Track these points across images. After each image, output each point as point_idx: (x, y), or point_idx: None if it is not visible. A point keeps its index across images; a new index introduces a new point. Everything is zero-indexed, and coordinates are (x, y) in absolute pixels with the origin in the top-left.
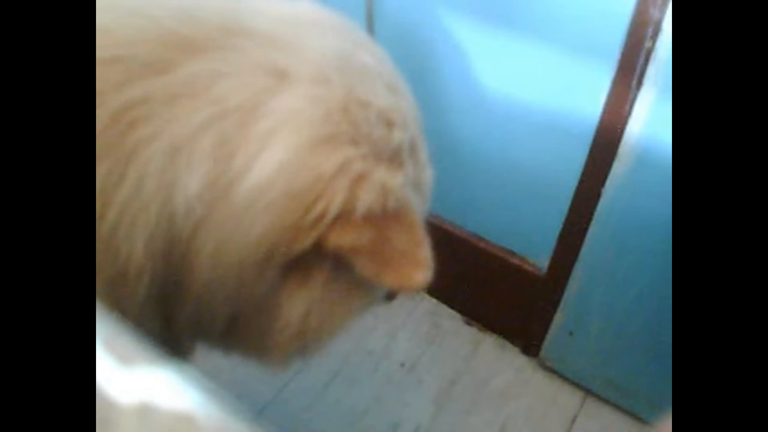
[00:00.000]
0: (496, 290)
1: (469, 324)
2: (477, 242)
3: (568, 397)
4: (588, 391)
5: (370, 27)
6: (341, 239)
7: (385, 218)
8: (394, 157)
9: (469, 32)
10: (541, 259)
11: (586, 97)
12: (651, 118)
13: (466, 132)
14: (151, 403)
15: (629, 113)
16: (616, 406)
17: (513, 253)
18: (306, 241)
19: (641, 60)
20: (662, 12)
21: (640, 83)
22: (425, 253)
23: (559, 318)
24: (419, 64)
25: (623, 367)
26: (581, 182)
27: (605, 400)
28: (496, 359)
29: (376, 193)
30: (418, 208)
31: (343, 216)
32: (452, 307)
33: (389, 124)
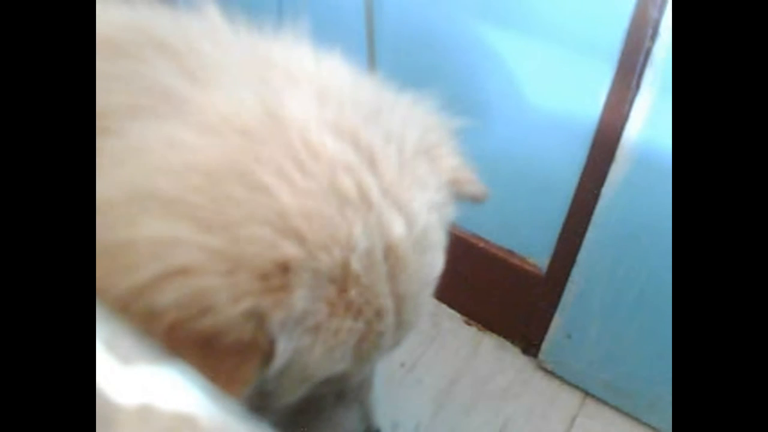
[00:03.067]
0: (496, 290)
1: (469, 324)
2: (477, 242)
3: (568, 397)
4: (587, 392)
5: (370, 27)
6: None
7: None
8: (274, 274)
9: (469, 32)
10: (541, 260)
11: (586, 97)
12: (650, 118)
13: (466, 132)
14: (151, 403)
15: (629, 113)
16: (616, 407)
17: (513, 253)
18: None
19: (641, 60)
20: (662, 12)
21: (639, 83)
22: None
23: (557, 321)
24: (419, 65)
25: (622, 370)
26: (581, 182)
27: (605, 402)
28: (496, 359)
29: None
30: (310, 355)
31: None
32: (452, 307)
33: (288, 233)
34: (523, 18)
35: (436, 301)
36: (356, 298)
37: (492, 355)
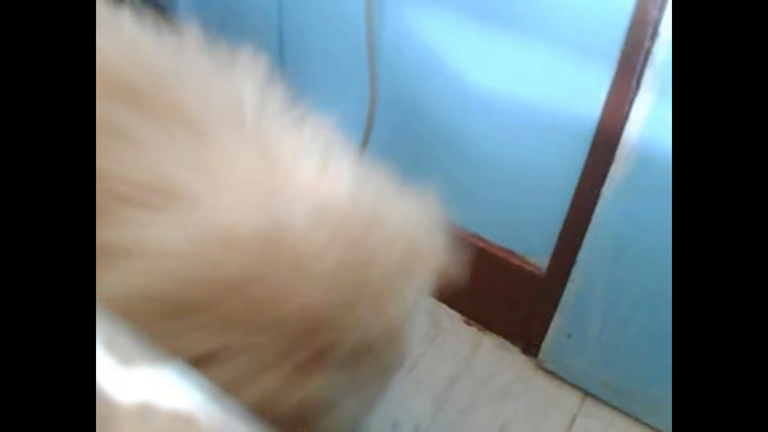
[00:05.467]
0: (495, 290)
1: (468, 324)
2: (477, 242)
3: (568, 397)
4: (587, 392)
5: (370, 29)
6: None
7: None
8: (308, 363)
9: (469, 32)
10: (541, 260)
11: (586, 97)
12: (650, 118)
13: (466, 132)
14: (151, 403)
15: (629, 113)
16: (616, 407)
17: (513, 253)
18: None
19: (641, 60)
20: (662, 12)
21: (639, 83)
22: None
23: (557, 320)
24: (418, 65)
25: (622, 370)
26: (581, 182)
27: (605, 401)
28: (496, 359)
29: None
30: (348, 414)
31: None
32: (452, 307)
33: (314, 329)
34: (522, 18)
35: (435, 301)
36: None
37: (492, 355)
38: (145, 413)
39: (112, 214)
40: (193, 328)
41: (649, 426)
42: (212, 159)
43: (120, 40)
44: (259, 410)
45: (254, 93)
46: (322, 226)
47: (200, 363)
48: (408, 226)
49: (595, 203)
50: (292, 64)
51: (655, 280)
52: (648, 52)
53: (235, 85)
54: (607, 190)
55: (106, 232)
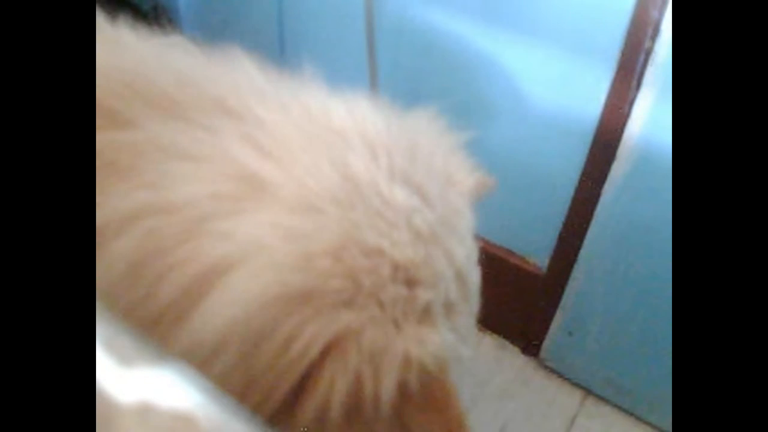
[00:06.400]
0: (495, 290)
1: None
2: (476, 242)
3: (568, 397)
4: (588, 391)
5: (370, 26)
6: None
7: (407, 404)
8: (422, 320)
9: (469, 32)
10: (541, 259)
11: (586, 97)
12: (650, 118)
13: (466, 132)
14: (151, 403)
15: (629, 113)
16: (616, 406)
17: (513, 253)
18: None
19: (641, 60)
20: (662, 12)
21: (639, 83)
22: None
23: (558, 318)
24: (418, 65)
25: (623, 367)
26: (581, 182)
27: (605, 400)
28: (496, 359)
29: (393, 373)
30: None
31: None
32: None
33: (410, 283)
34: (523, 18)
35: None
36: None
37: (491, 355)
38: (145, 413)
39: (203, 235)
40: (316, 314)
41: (649, 424)
42: (261, 141)
43: (124, 51)
44: (408, 380)
45: (256, 76)
46: (379, 170)
47: (339, 344)
48: (437, 147)
49: (595, 203)
50: (292, 63)
51: (655, 278)
52: (648, 52)
53: (234, 72)
54: (607, 190)
55: (207, 251)
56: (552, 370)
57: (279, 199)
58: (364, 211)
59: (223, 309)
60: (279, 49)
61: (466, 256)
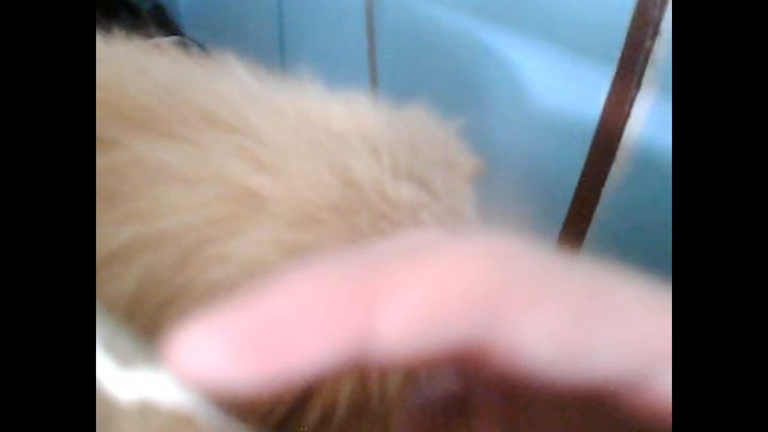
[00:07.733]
0: None
1: None
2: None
3: None
4: None
5: (370, 26)
6: None
7: None
8: None
9: (469, 32)
10: None
11: (586, 97)
12: (650, 118)
13: (465, 132)
14: (151, 403)
15: (629, 113)
16: None
17: None
18: None
19: (641, 60)
20: (662, 12)
21: (639, 83)
22: None
23: None
24: (418, 64)
25: None
26: (581, 182)
27: None
28: None
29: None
30: None
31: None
32: None
33: None
34: (522, 17)
35: None
36: None
37: None
38: (145, 413)
39: (201, 262)
40: None
41: None
42: (257, 153)
43: (122, 66)
44: None
45: (248, 81)
46: (383, 170)
47: None
48: (434, 139)
49: (595, 203)
50: (292, 64)
51: (655, 279)
52: (648, 52)
53: (225, 79)
54: (608, 190)
55: (206, 278)
56: None
57: (278, 215)
58: (367, 215)
59: None
60: (279, 48)
61: None
